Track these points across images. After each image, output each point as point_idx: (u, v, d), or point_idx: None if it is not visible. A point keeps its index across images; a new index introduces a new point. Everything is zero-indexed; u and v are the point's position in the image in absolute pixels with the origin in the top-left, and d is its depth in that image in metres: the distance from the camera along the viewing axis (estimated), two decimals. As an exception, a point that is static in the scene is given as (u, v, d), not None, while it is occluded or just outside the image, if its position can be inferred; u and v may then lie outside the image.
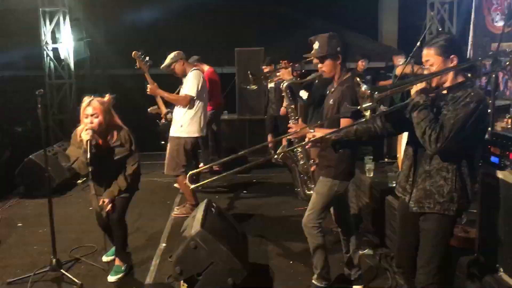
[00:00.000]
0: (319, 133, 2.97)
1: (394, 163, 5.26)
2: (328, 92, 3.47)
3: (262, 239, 4.71)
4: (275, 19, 9.71)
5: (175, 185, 6.29)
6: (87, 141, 3.56)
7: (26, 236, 4.95)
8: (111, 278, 3.91)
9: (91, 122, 3.67)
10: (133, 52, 5.21)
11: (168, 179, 6.75)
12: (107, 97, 3.85)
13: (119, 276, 3.94)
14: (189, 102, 5.27)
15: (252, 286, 3.51)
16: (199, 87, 5.30)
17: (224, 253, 3.40)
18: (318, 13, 9.53)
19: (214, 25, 9.66)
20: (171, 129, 5.41)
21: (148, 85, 5.32)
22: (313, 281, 3.46)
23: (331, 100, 3.29)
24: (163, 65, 5.46)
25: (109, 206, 3.80)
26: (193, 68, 5.43)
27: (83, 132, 3.62)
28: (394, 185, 4.49)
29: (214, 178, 2.91)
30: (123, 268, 4.01)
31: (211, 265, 3.38)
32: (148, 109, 5.90)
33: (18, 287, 3.77)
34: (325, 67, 3.33)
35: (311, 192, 3.78)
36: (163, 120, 5.80)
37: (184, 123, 5.31)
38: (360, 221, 4.89)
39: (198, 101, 5.33)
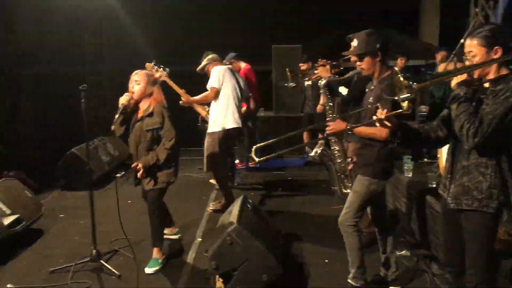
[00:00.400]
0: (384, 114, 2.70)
1: (434, 163, 5.13)
2: (367, 89, 3.42)
3: (297, 236, 4.69)
4: (312, 16, 9.64)
5: (211, 180, 6.34)
6: (122, 104, 3.84)
7: (67, 227, 5.12)
8: (148, 270, 4.00)
9: (133, 87, 3.88)
10: (146, 65, 5.01)
11: (204, 174, 6.83)
12: (158, 73, 4.01)
13: (156, 268, 4.02)
14: (216, 95, 5.29)
15: (286, 283, 3.50)
16: (222, 79, 5.32)
17: (260, 249, 3.41)
18: (357, 10, 9.41)
19: (251, 22, 9.68)
20: (209, 125, 5.46)
21: (181, 100, 5.31)
22: (349, 280, 3.43)
23: (371, 98, 3.24)
24: (199, 68, 5.54)
25: (142, 171, 3.86)
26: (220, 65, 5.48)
27: (123, 96, 3.88)
28: (433, 185, 4.40)
29: (275, 154, 2.90)
30: (160, 261, 4.09)
31: (246, 261, 3.39)
32: (180, 102, 5.91)
33: (60, 276, 3.89)
34: (364, 65, 3.28)
35: (348, 190, 3.75)
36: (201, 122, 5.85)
37: (216, 118, 5.34)
38: (397, 221, 4.81)
39: (225, 94, 5.35)
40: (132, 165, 3.92)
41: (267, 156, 2.86)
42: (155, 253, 4.11)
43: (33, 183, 6.19)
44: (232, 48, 7.19)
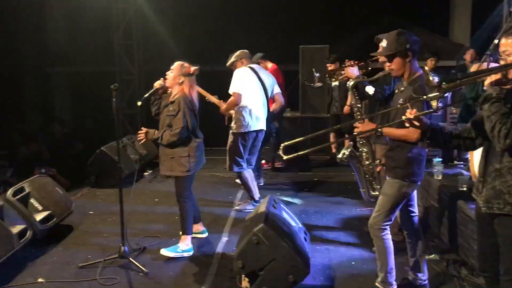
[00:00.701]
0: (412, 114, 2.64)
1: (465, 166, 5.03)
2: (397, 90, 3.37)
3: (323, 238, 4.67)
4: (340, 15, 9.56)
5: (237, 180, 6.37)
6: (154, 86, 4.27)
7: (96, 223, 5.21)
8: (163, 251, 4.23)
9: (166, 75, 4.22)
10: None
11: (230, 174, 6.86)
12: (194, 67, 4.27)
13: (170, 253, 4.21)
14: (239, 99, 5.29)
15: (312, 285, 3.48)
16: (243, 82, 5.31)
17: (286, 250, 3.39)
18: (385, 9, 9.29)
19: (279, 22, 9.67)
20: (232, 126, 5.46)
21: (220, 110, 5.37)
22: (377, 284, 3.37)
23: (401, 99, 3.19)
24: (228, 63, 5.56)
25: (141, 136, 4.23)
26: (242, 67, 5.46)
27: (158, 81, 4.29)
28: (464, 188, 4.31)
29: (302, 152, 2.93)
30: (179, 250, 4.22)
31: (272, 261, 3.39)
32: (206, 98, 5.91)
33: (89, 271, 3.96)
34: (393, 65, 3.23)
35: (376, 193, 3.71)
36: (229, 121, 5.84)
37: (236, 120, 5.36)
38: (427, 224, 4.73)
39: (248, 96, 5.34)
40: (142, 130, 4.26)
41: (295, 154, 2.85)
42: (181, 240, 4.26)
43: (64, 180, 6.33)
44: (260, 48, 7.19)
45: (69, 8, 9.89)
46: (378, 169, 3.69)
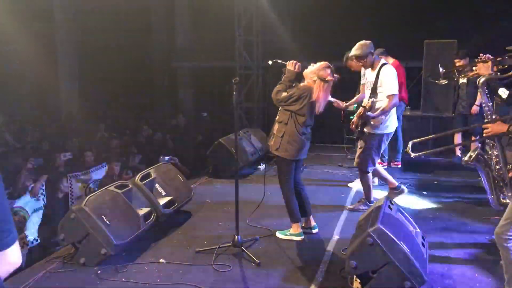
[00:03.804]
0: None
1: None
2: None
3: (442, 244, 4.38)
4: (471, 7, 8.84)
5: (349, 185, 6.24)
6: (284, 62, 4.50)
7: (212, 212, 5.44)
8: (277, 233, 4.61)
9: (299, 66, 4.43)
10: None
11: (344, 171, 6.77)
12: (331, 77, 4.33)
13: (281, 236, 4.56)
14: (397, 100, 5.10)
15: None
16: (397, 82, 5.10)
17: (402, 253, 3.24)
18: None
19: (400, 15, 9.25)
20: (372, 125, 5.14)
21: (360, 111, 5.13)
22: (504, 299, 3.09)
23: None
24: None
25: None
26: (384, 62, 5.19)
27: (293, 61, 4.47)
28: None
29: (430, 151, 2.85)
30: (287, 233, 4.54)
31: (386, 264, 3.25)
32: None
33: (204, 256, 4.17)
34: (538, 61, 2.90)
35: (507, 201, 3.38)
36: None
37: (385, 120, 5.12)
38: None
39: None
40: None
41: (423, 152, 2.74)
42: (291, 227, 4.50)
43: (185, 168, 6.72)
44: (380, 43, 6.91)
45: (195, 6, 10.47)
46: (510, 175, 3.36)
